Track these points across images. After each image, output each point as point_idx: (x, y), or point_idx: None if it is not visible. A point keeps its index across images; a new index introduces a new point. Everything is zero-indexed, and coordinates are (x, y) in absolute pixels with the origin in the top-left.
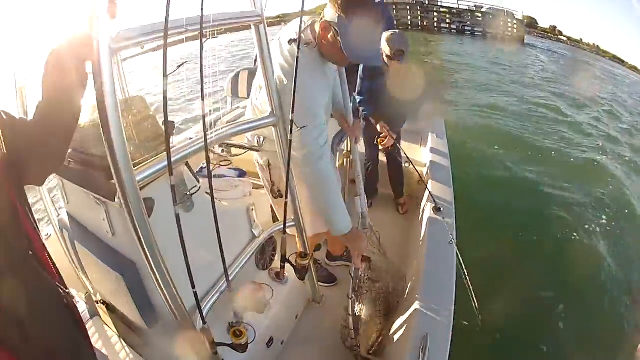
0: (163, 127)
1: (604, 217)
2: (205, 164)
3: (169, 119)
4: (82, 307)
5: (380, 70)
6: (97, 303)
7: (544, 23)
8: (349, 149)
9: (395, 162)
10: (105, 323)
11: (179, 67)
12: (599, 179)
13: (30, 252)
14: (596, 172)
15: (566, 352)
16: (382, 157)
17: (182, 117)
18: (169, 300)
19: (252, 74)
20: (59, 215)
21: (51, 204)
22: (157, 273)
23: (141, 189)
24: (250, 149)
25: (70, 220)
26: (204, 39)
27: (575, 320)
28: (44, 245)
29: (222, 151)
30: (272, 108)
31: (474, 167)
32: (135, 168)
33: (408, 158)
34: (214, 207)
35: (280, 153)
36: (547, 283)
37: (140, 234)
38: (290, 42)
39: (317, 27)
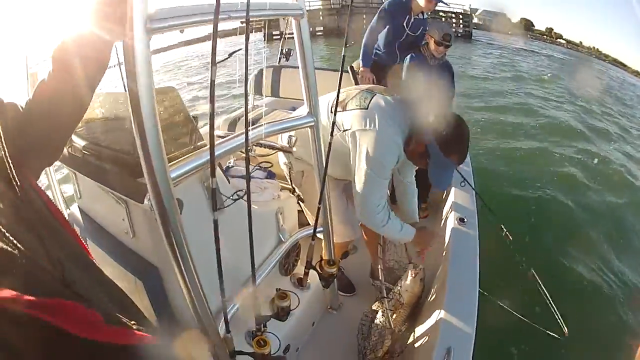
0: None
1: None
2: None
3: (193, 114)
4: None
5: (418, 49)
6: None
7: (540, 25)
8: None
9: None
10: None
11: (230, 55)
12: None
13: None
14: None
15: (565, 352)
16: None
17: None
18: (197, 308)
19: (276, 71)
20: (68, 209)
21: (61, 196)
22: (187, 281)
23: None
24: (281, 149)
25: (82, 215)
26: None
27: (575, 320)
28: None
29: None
30: (310, 109)
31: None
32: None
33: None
34: (249, 211)
35: (315, 156)
36: (546, 284)
37: (173, 240)
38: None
39: (415, 139)
